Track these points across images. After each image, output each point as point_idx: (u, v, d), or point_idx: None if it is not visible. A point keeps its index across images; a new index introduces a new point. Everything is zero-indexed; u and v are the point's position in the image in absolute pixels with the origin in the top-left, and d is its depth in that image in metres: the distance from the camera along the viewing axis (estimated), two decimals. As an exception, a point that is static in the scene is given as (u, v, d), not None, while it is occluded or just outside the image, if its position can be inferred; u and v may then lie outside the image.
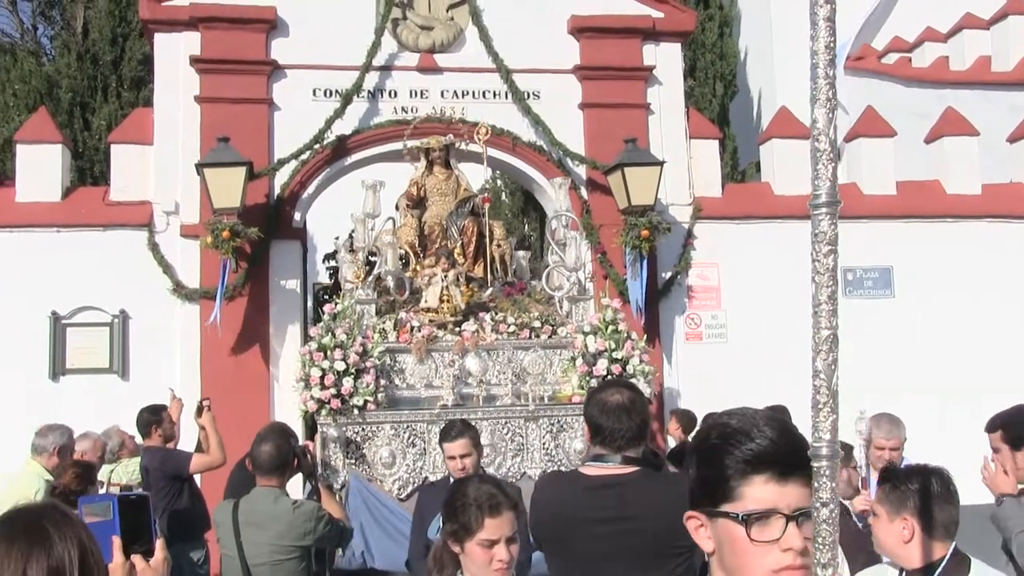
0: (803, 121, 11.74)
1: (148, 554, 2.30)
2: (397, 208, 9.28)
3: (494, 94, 10.55)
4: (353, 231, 9.25)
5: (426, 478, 7.70)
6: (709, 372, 10.38)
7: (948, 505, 3.20)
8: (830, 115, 1.73)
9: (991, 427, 4.35)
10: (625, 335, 8.47)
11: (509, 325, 8.49)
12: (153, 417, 7.23)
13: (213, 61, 10.14)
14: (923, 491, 3.17)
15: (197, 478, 7.44)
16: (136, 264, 9.89)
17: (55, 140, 10.32)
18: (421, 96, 10.46)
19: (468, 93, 10.55)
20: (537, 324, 8.60)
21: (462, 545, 3.09)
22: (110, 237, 10.00)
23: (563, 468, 7.61)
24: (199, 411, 7.40)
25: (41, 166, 10.15)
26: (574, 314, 8.73)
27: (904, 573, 3.18)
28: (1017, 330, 10.97)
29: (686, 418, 9.11)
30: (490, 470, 7.63)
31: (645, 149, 10.42)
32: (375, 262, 8.40)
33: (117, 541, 2.25)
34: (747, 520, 1.74)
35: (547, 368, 8.49)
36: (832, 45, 1.74)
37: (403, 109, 10.48)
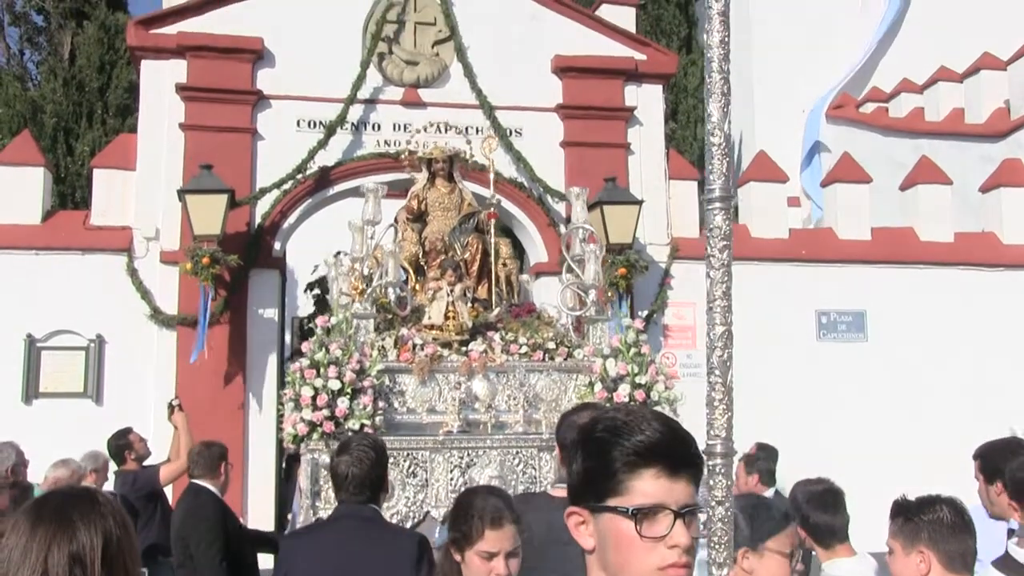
0: (781, 166, 11.94)
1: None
2: (395, 222, 8.67)
3: (477, 130, 10.68)
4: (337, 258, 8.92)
5: (427, 512, 7.00)
6: (684, 410, 10.41)
7: (964, 535, 3.09)
8: (724, 110, 1.75)
9: (974, 455, 4.31)
10: (648, 358, 7.76)
11: (521, 346, 7.68)
12: (121, 442, 7.18)
13: (199, 89, 10.21)
14: (936, 522, 3.09)
15: (169, 491, 7.36)
16: (114, 289, 9.88)
17: (37, 163, 10.34)
18: (404, 129, 10.56)
19: (451, 128, 10.66)
20: (552, 345, 7.76)
21: (463, 554, 3.11)
22: (89, 261, 10.00)
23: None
24: (170, 412, 7.33)
25: (22, 188, 10.16)
26: (591, 336, 7.94)
27: None
28: (987, 374, 11.10)
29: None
30: None
31: (624, 188, 10.55)
32: (372, 276, 7.52)
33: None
34: (636, 515, 1.69)
35: (562, 393, 7.72)
36: (726, 40, 1.79)
37: (386, 142, 10.57)
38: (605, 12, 11.67)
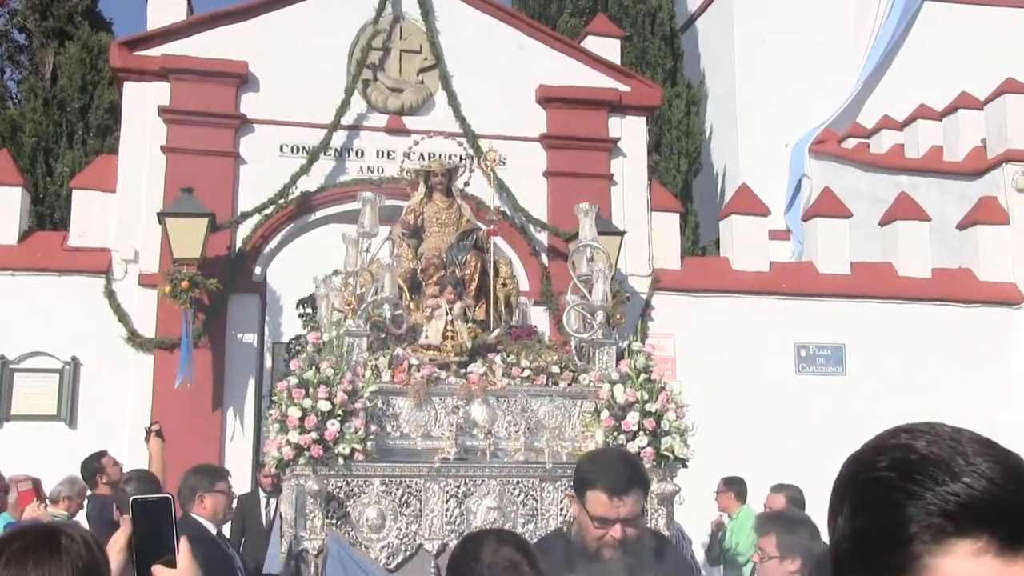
0: (765, 200, 12.01)
1: (170, 564, 2.14)
2: (390, 238, 8.22)
3: (460, 158, 10.67)
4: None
5: (420, 545, 6.50)
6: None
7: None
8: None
9: None
10: (660, 385, 7.23)
11: (523, 369, 7.18)
12: (94, 465, 7.09)
13: (181, 112, 10.19)
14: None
15: None
16: (91, 311, 9.79)
17: (15, 183, 10.26)
18: (388, 157, 10.56)
19: (435, 156, 10.65)
20: (556, 369, 7.26)
21: None
22: (66, 283, 9.90)
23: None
24: (147, 436, 7.23)
25: (-1, 208, 10.09)
26: (597, 360, 7.45)
27: None
28: (963, 409, 11.14)
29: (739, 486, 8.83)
30: None
31: (607, 219, 10.56)
32: (365, 292, 7.04)
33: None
34: None
35: (566, 420, 7.20)
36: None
37: (369, 169, 10.57)
38: (590, 44, 11.74)
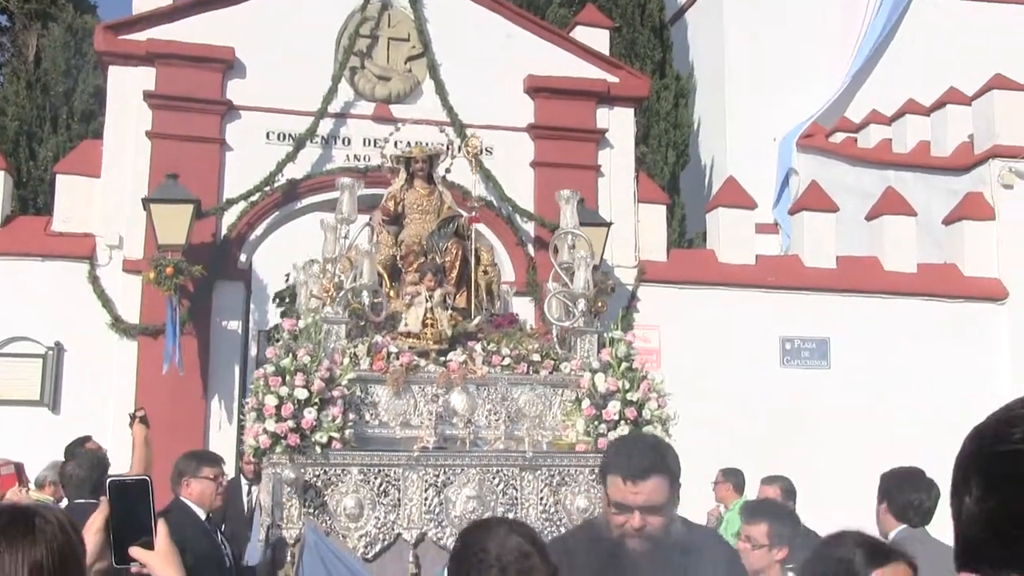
0: (750, 193, 12.01)
1: (148, 546, 2.11)
2: (369, 224, 8.12)
3: (445, 146, 10.64)
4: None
5: (399, 535, 6.44)
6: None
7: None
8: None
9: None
10: (641, 374, 7.21)
11: (504, 357, 7.12)
12: (78, 450, 7.05)
13: (167, 97, 10.12)
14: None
15: None
16: (75, 297, 9.74)
17: (-2, 166, 10.20)
18: (375, 145, 10.51)
19: (418, 143, 10.62)
20: (536, 358, 7.21)
21: None
22: (49, 268, 9.85)
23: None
24: (131, 422, 7.17)
25: (-18, 192, 10.02)
26: (578, 349, 7.40)
27: None
28: (946, 404, 11.18)
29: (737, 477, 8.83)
30: None
31: (593, 210, 10.55)
32: (344, 279, 6.97)
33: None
34: None
35: (546, 409, 7.16)
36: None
37: (356, 157, 10.52)
38: (579, 34, 11.71)
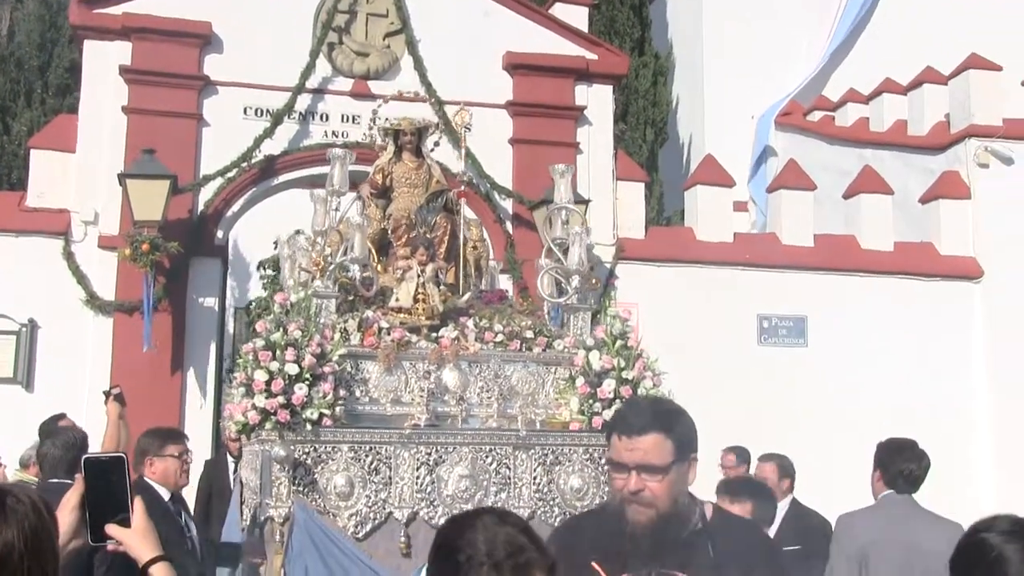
0: (728, 171, 12.03)
1: (124, 524, 2.10)
2: (359, 197, 7.77)
3: (436, 125, 10.61)
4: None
5: (390, 513, 6.33)
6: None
7: None
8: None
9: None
10: (636, 352, 7.06)
11: (496, 334, 6.97)
12: (51, 427, 7.00)
13: (143, 72, 10.01)
14: None
15: None
16: (49, 273, 9.65)
17: (-28, 142, 10.07)
18: (353, 121, 10.45)
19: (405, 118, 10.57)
20: (530, 335, 7.05)
21: None
22: (24, 244, 9.75)
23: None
24: (105, 399, 7.11)
25: (-45, 167, 9.89)
26: (572, 326, 7.24)
27: None
28: (923, 381, 11.29)
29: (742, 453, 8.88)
30: (468, 507, 6.02)
31: (571, 187, 10.53)
32: (334, 252, 6.76)
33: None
34: None
35: (539, 387, 7.01)
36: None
37: (334, 133, 10.46)
38: (558, 11, 11.66)
